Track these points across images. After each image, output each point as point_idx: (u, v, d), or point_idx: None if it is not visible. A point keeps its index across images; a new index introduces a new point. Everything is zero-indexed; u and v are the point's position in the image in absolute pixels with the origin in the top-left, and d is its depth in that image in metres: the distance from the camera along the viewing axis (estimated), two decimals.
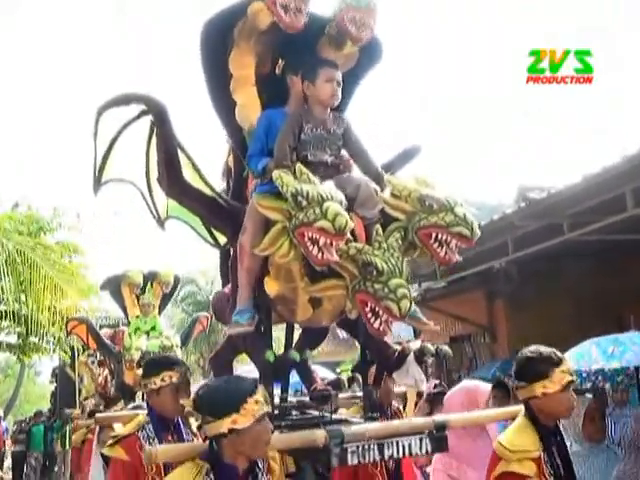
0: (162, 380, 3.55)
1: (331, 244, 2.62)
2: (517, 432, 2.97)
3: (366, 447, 2.75)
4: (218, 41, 3.19)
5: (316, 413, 3.35)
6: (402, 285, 2.67)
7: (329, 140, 3.15)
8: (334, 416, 3.26)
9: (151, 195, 3.53)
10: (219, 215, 3.29)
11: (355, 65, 3.39)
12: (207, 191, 3.25)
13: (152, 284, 7.54)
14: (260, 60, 3.32)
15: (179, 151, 3.15)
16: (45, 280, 10.78)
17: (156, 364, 3.79)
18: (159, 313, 7.61)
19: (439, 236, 2.78)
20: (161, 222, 3.65)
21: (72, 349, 12.40)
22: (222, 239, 3.58)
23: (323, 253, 2.64)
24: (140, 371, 6.75)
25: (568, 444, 3.13)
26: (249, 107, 3.32)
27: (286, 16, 3.04)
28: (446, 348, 3.38)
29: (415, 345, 3.22)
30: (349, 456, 2.72)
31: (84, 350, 9.99)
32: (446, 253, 2.80)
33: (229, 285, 3.53)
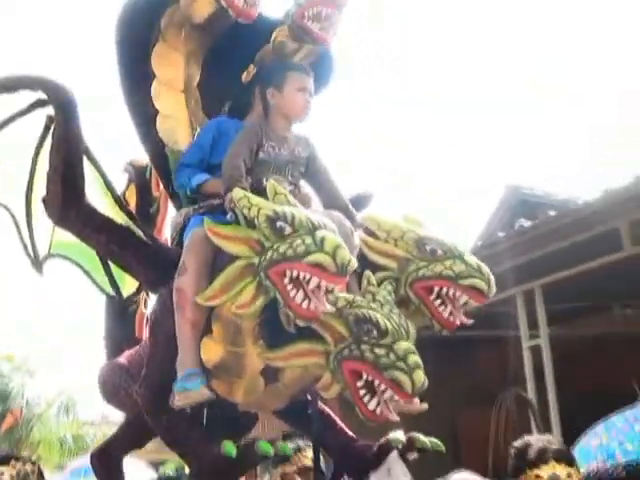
0: None
1: (320, 289, 1.79)
2: None
3: None
4: (140, 29, 2.31)
5: None
6: (413, 351, 1.85)
7: (292, 164, 2.29)
8: None
9: (29, 222, 2.32)
10: (135, 252, 2.23)
11: None
12: (119, 219, 2.20)
13: None
14: (189, 62, 2.43)
15: (86, 161, 2.10)
16: None
17: None
18: None
19: (443, 290, 2.05)
20: (39, 263, 2.42)
21: None
22: (128, 288, 2.47)
23: (310, 301, 1.79)
24: None
25: None
26: (174, 119, 2.39)
27: (238, 0, 2.22)
28: (436, 441, 2.27)
29: (398, 436, 2.18)
30: None
31: None
32: (451, 314, 2.05)
33: (127, 353, 2.45)
